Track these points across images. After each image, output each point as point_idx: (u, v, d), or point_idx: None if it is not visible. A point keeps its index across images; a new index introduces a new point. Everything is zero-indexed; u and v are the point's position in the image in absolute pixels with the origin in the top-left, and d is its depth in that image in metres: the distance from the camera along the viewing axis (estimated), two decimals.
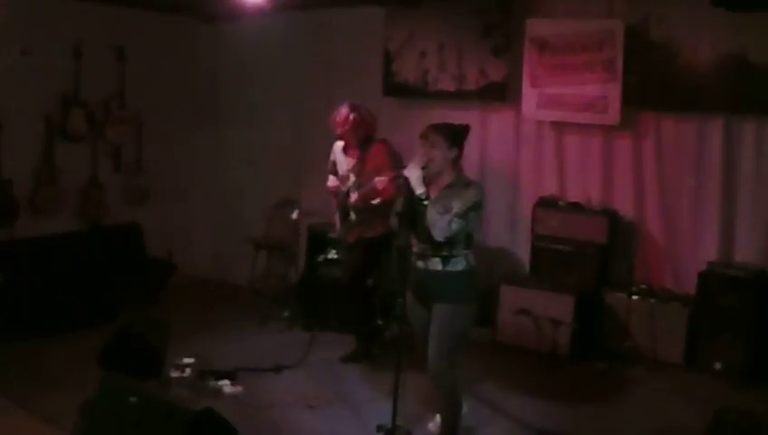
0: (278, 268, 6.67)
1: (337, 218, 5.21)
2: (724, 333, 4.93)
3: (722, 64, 5.00)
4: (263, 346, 5.49)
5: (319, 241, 6.15)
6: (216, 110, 7.41)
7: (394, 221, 3.89)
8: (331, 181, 5.14)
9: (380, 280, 5.59)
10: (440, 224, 3.60)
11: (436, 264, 3.74)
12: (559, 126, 5.77)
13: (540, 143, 5.90)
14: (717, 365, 4.95)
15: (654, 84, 5.27)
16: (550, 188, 5.85)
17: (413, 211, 3.75)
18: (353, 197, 4.94)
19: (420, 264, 3.82)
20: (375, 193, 4.72)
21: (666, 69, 5.20)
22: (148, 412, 3.36)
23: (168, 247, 6.78)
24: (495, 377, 5.04)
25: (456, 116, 5.56)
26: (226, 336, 5.69)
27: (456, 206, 3.63)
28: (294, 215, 5.78)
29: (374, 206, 4.84)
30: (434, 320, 3.77)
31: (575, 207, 5.63)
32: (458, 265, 3.73)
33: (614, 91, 5.31)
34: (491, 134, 6.06)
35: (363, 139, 4.98)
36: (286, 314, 6.04)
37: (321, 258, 5.90)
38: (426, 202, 3.65)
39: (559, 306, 5.28)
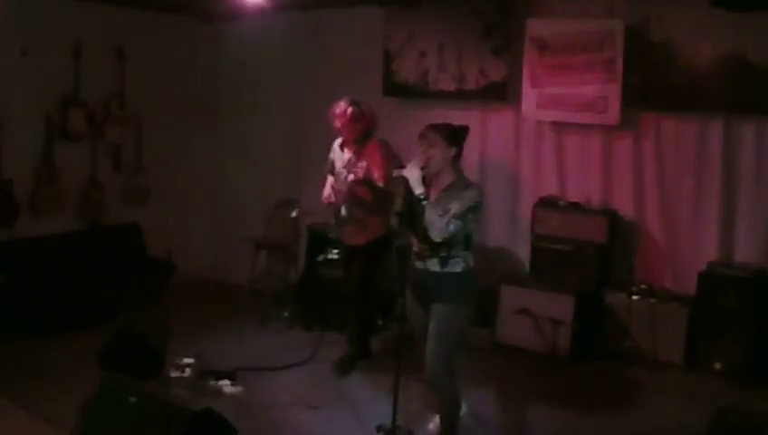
0: (278, 268, 6.67)
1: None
2: (724, 333, 4.93)
3: (722, 64, 5.00)
4: (263, 346, 5.49)
5: (319, 241, 6.15)
6: (215, 110, 7.41)
7: (394, 221, 3.88)
8: (327, 191, 5.02)
9: (380, 280, 5.59)
10: (438, 225, 3.60)
11: (434, 264, 3.75)
12: (559, 126, 5.77)
13: (540, 143, 5.90)
14: (717, 365, 4.95)
15: (654, 84, 5.27)
16: (550, 188, 5.85)
17: (412, 211, 3.75)
18: (343, 187, 4.84)
19: (419, 264, 3.82)
20: (363, 186, 4.67)
21: (666, 69, 5.20)
22: (148, 412, 3.36)
23: (168, 247, 6.78)
24: (495, 377, 5.04)
25: (455, 116, 5.57)
26: (226, 336, 5.69)
27: (455, 207, 3.63)
28: (294, 214, 5.78)
29: (368, 203, 4.77)
30: (432, 320, 3.77)
31: (575, 207, 5.63)
32: (456, 266, 3.73)
33: (614, 91, 5.31)
34: (491, 134, 6.06)
35: (361, 134, 4.91)
36: (286, 314, 6.04)
37: (321, 258, 5.91)
38: (424, 202, 3.65)
39: (559, 306, 5.28)
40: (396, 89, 6.39)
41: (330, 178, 5.09)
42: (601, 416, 4.51)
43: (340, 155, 5.04)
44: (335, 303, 5.58)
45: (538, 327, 5.34)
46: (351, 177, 4.77)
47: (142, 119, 6.65)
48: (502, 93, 5.89)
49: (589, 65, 5.41)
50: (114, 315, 4.67)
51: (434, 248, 3.71)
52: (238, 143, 7.25)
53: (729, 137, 5.14)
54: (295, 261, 6.58)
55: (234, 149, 7.30)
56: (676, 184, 5.39)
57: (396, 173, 3.86)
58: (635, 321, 5.27)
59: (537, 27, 5.61)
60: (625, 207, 5.59)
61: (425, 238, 3.70)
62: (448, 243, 3.67)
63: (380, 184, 4.74)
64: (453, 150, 3.76)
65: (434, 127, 3.80)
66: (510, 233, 6.08)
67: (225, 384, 4.66)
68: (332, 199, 4.96)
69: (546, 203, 5.73)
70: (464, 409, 4.07)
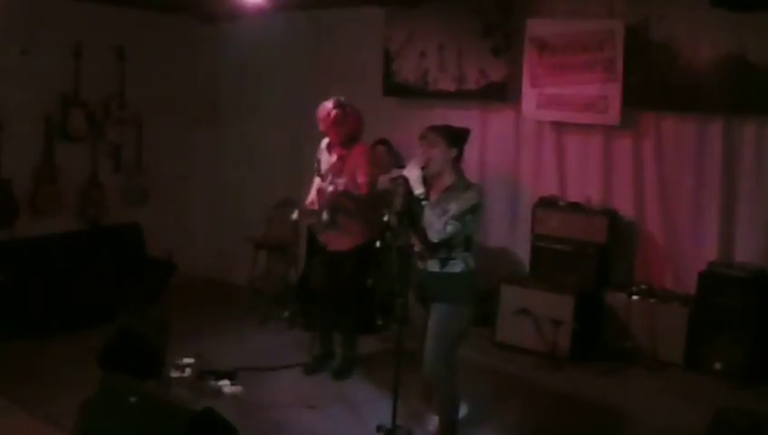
0: (278, 268, 6.66)
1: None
2: (724, 333, 4.93)
3: (722, 64, 5.00)
4: (263, 346, 5.49)
5: (319, 241, 6.13)
6: (215, 110, 7.41)
7: (393, 220, 3.87)
8: (311, 197, 4.95)
9: (380, 280, 5.59)
10: (436, 226, 3.61)
11: (433, 265, 3.75)
12: (559, 126, 5.77)
13: (540, 143, 5.90)
14: (717, 365, 4.94)
15: (654, 84, 5.27)
16: (550, 188, 5.86)
17: (412, 211, 3.75)
18: (327, 191, 4.73)
19: (420, 264, 3.83)
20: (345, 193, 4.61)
21: (666, 69, 5.20)
22: (148, 412, 3.36)
23: (168, 247, 6.78)
24: (495, 377, 5.04)
25: (456, 116, 5.58)
26: (226, 336, 5.69)
27: (453, 208, 3.63)
28: (294, 215, 5.77)
29: (350, 210, 4.71)
30: (432, 320, 3.77)
31: (575, 207, 5.63)
32: (456, 267, 3.73)
33: (614, 91, 5.31)
34: (491, 134, 6.06)
35: (346, 137, 4.79)
36: (286, 314, 6.04)
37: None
38: (424, 202, 3.65)
39: (559, 306, 5.28)
40: (396, 89, 6.39)
41: (316, 181, 4.97)
42: (601, 416, 4.51)
43: (326, 156, 4.93)
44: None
45: (538, 327, 5.34)
46: (331, 188, 4.66)
47: (142, 119, 6.66)
48: (502, 93, 5.89)
49: (589, 65, 5.41)
50: (114, 315, 4.68)
51: (434, 249, 3.71)
52: (238, 143, 7.25)
53: (729, 137, 5.14)
54: (295, 261, 6.58)
55: (234, 149, 7.30)
56: (676, 184, 5.39)
57: (396, 173, 3.86)
58: (635, 321, 5.27)
59: (537, 27, 5.61)
60: (625, 207, 5.59)
61: (425, 239, 3.71)
62: (448, 244, 3.67)
63: (365, 190, 4.65)
64: (453, 152, 3.76)
65: (435, 128, 3.81)
66: (510, 233, 6.08)
67: (225, 384, 4.66)
68: (315, 207, 4.87)
69: (546, 203, 5.73)
70: (464, 409, 4.07)
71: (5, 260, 5.60)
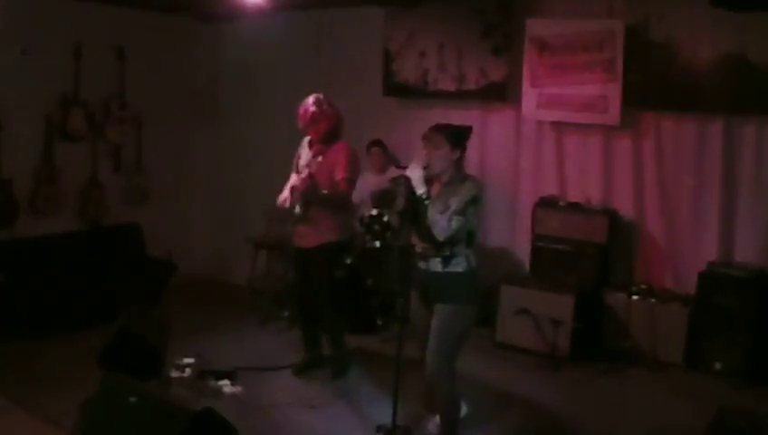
0: (278, 268, 6.66)
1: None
2: (724, 333, 4.93)
3: (722, 64, 5.00)
4: (263, 346, 5.49)
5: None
6: (216, 110, 7.41)
7: (395, 221, 3.87)
8: (283, 195, 4.87)
9: (380, 280, 5.59)
10: (441, 223, 3.60)
11: (436, 265, 3.75)
12: (559, 126, 5.77)
13: (540, 143, 5.90)
14: (717, 365, 4.95)
15: (654, 84, 5.27)
16: (550, 188, 5.86)
17: (414, 211, 3.75)
18: (303, 173, 4.68)
19: (422, 264, 3.82)
20: (318, 186, 4.57)
21: (666, 69, 5.20)
22: (148, 412, 3.36)
23: (168, 247, 6.78)
24: (495, 377, 5.04)
25: (455, 116, 5.58)
26: (226, 336, 5.69)
27: (455, 202, 3.63)
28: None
29: (325, 205, 4.65)
30: (434, 320, 3.77)
31: (575, 207, 5.63)
32: (459, 266, 3.73)
33: (614, 91, 5.31)
34: (491, 134, 6.06)
35: (325, 135, 4.77)
36: (286, 314, 6.04)
37: None
38: (426, 202, 3.65)
39: (559, 306, 5.28)
40: (396, 89, 6.39)
41: (292, 178, 4.90)
42: (601, 416, 4.51)
43: (307, 153, 4.89)
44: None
45: (538, 327, 5.34)
46: (303, 175, 4.62)
47: (142, 119, 6.65)
48: (502, 93, 5.89)
49: (589, 65, 5.41)
50: (114, 315, 4.68)
51: (437, 247, 3.70)
52: (238, 143, 7.25)
53: (729, 137, 5.14)
54: None
55: (234, 149, 7.30)
56: (676, 184, 5.39)
57: (396, 173, 3.86)
58: (635, 321, 5.27)
59: (537, 27, 5.61)
60: (625, 207, 5.59)
61: (428, 238, 3.70)
62: (451, 241, 3.67)
63: (342, 186, 4.63)
64: (457, 153, 3.75)
65: (438, 129, 3.78)
66: (510, 233, 6.08)
67: (225, 384, 4.66)
68: (287, 205, 4.81)
69: (546, 203, 5.73)
70: (464, 409, 4.07)
71: (5, 260, 5.60)
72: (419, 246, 3.83)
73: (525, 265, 5.88)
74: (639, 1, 5.28)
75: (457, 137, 3.78)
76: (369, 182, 6.18)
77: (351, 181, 4.72)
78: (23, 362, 4.95)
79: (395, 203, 3.84)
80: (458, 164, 3.80)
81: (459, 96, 6.06)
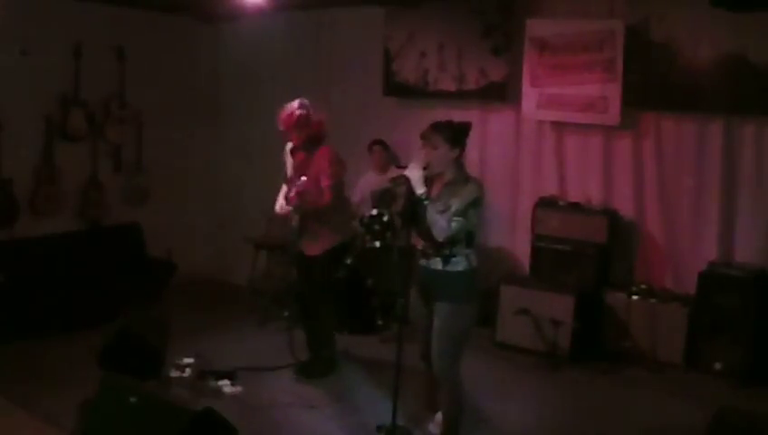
0: (278, 268, 6.66)
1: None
2: (724, 333, 4.93)
3: (722, 64, 5.00)
4: (263, 346, 5.49)
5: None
6: (216, 110, 7.41)
7: (396, 221, 3.88)
8: (279, 204, 4.89)
9: (380, 280, 5.59)
10: (440, 223, 3.60)
11: (437, 263, 3.74)
12: (559, 126, 5.77)
13: (540, 143, 5.90)
14: (717, 365, 4.95)
15: (654, 84, 5.27)
16: (550, 188, 5.86)
17: (414, 211, 3.75)
18: (290, 198, 4.70)
19: (423, 262, 3.82)
20: (309, 196, 4.58)
21: (666, 69, 5.20)
22: (148, 412, 3.36)
23: (168, 247, 6.78)
24: (495, 377, 5.04)
25: (456, 116, 5.51)
26: (226, 336, 5.69)
27: (455, 204, 3.62)
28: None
29: (318, 215, 4.68)
30: (435, 319, 3.77)
31: (575, 207, 5.63)
32: (459, 265, 3.73)
33: (614, 91, 5.31)
34: (491, 134, 6.06)
35: (307, 141, 4.74)
36: (286, 314, 6.04)
37: None
38: (426, 202, 3.65)
39: (559, 306, 5.28)
40: (396, 89, 6.39)
41: (284, 188, 4.92)
42: (601, 416, 4.51)
43: (290, 160, 4.90)
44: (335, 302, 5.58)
45: (538, 327, 5.34)
46: (293, 193, 4.63)
47: (142, 119, 6.65)
48: (502, 93, 5.89)
49: (589, 65, 5.41)
50: (114, 315, 4.69)
51: (437, 247, 3.70)
52: (238, 143, 7.25)
53: (729, 137, 5.14)
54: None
55: (234, 149, 7.30)
56: (676, 184, 5.39)
57: (396, 173, 3.86)
58: (635, 321, 5.27)
59: (537, 27, 5.61)
60: (625, 207, 5.59)
61: (428, 237, 3.70)
62: (451, 241, 3.67)
63: (328, 195, 4.62)
64: (456, 152, 3.74)
65: (436, 128, 3.76)
66: (510, 233, 6.08)
67: (225, 384, 4.66)
68: (284, 211, 4.84)
69: (546, 203, 5.73)
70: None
71: (5, 260, 5.60)
72: (420, 245, 3.83)
73: (525, 266, 5.88)
74: (639, 1, 5.29)
75: (456, 135, 3.76)
76: (370, 181, 6.19)
77: (336, 186, 4.70)
78: (23, 362, 4.95)
79: (395, 203, 3.84)
80: (458, 163, 3.79)
81: (459, 96, 6.06)
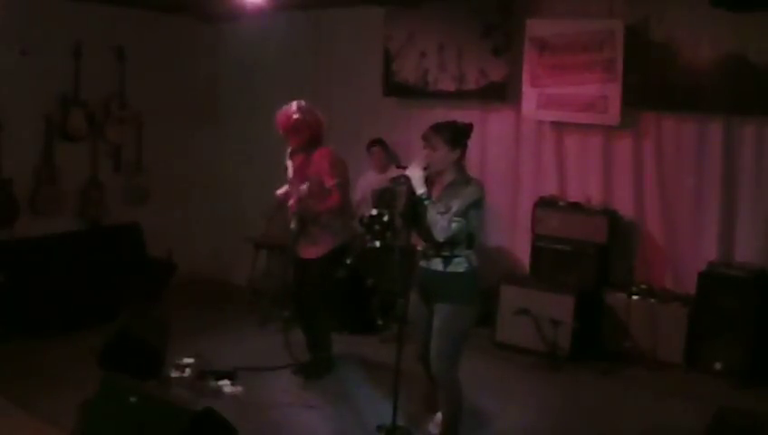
0: (278, 268, 6.66)
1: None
2: (724, 333, 4.93)
3: (722, 64, 5.00)
4: (263, 346, 5.49)
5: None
6: (216, 110, 7.41)
7: (396, 221, 3.88)
8: (282, 191, 4.94)
9: (380, 280, 5.59)
10: (441, 224, 3.60)
11: (437, 264, 3.74)
12: (559, 126, 5.78)
13: (540, 143, 5.90)
14: (717, 365, 4.95)
15: (654, 84, 5.27)
16: (550, 188, 5.86)
17: (414, 211, 3.75)
18: (291, 203, 4.74)
19: (423, 263, 3.82)
20: (312, 200, 4.61)
21: (666, 69, 5.20)
22: (148, 412, 3.36)
23: (168, 247, 6.78)
24: (495, 377, 5.04)
25: (456, 116, 5.51)
26: (226, 336, 5.69)
27: (456, 205, 3.62)
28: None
29: (319, 219, 4.69)
30: (435, 319, 3.77)
31: (575, 207, 5.63)
32: (460, 266, 3.72)
33: (614, 91, 5.31)
34: (491, 134, 6.06)
35: (306, 143, 4.75)
36: (286, 314, 6.04)
37: None
38: (426, 202, 3.65)
39: (559, 306, 5.28)
40: (396, 89, 6.39)
41: (285, 187, 4.95)
42: (601, 416, 4.51)
43: (289, 161, 4.91)
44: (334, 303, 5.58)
45: (538, 327, 5.34)
46: (292, 201, 4.67)
47: (142, 119, 6.66)
48: (502, 93, 5.89)
49: (589, 65, 5.41)
50: (114, 315, 4.69)
51: (437, 247, 3.70)
52: (238, 143, 7.24)
53: (729, 137, 5.14)
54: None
55: (234, 149, 7.30)
56: (676, 184, 5.39)
57: (397, 173, 3.86)
58: (635, 321, 5.27)
59: (537, 27, 5.62)
60: (625, 207, 5.59)
61: (428, 238, 3.70)
62: (451, 242, 3.67)
63: (335, 193, 4.63)
64: (456, 153, 3.74)
65: (437, 129, 3.75)
66: (510, 233, 6.08)
67: (225, 384, 4.66)
68: (286, 198, 4.85)
69: (546, 203, 5.73)
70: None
71: (5, 260, 5.60)
72: (421, 246, 3.83)
73: (525, 265, 5.88)
74: (639, 1, 5.29)
75: (456, 137, 3.75)
76: (370, 181, 6.20)
77: (342, 185, 4.71)
78: (23, 362, 4.95)
79: (395, 203, 3.84)
80: (459, 165, 3.79)
81: (459, 96, 6.06)
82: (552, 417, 4.48)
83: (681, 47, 5.14)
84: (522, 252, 5.96)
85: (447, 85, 6.12)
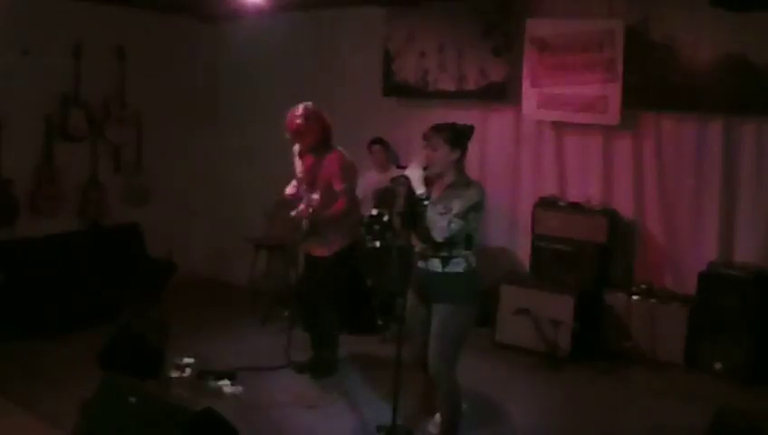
0: (278, 268, 6.66)
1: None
2: (724, 333, 4.93)
3: (722, 64, 5.00)
4: (263, 346, 5.48)
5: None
6: (216, 110, 7.41)
7: (395, 221, 3.87)
8: (290, 190, 4.97)
9: (380, 280, 5.59)
10: (440, 224, 3.60)
11: (435, 265, 3.74)
12: (559, 126, 5.78)
13: (540, 143, 5.90)
14: (717, 365, 4.95)
15: (654, 84, 5.27)
16: (550, 188, 5.86)
17: (413, 211, 3.74)
18: (301, 206, 4.77)
19: (421, 263, 3.81)
20: (322, 211, 4.66)
21: (666, 69, 5.20)
22: (148, 412, 3.36)
23: (168, 247, 6.78)
24: (495, 377, 5.04)
25: (456, 116, 5.53)
26: (226, 336, 5.69)
27: (456, 206, 3.62)
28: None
29: (329, 219, 4.71)
30: (434, 320, 3.76)
31: (575, 207, 5.63)
32: (458, 266, 3.72)
33: (614, 91, 5.31)
34: (491, 134, 6.06)
35: (314, 145, 4.78)
36: (286, 314, 6.04)
37: None
38: (426, 202, 3.65)
39: (559, 306, 5.28)
40: (396, 89, 6.39)
41: (294, 183, 4.99)
42: (601, 416, 4.51)
43: (297, 161, 4.95)
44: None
45: (538, 327, 5.34)
46: (302, 208, 4.71)
47: (142, 119, 6.66)
48: (502, 93, 5.89)
49: (589, 65, 5.41)
50: (114, 315, 4.70)
51: (436, 248, 3.70)
52: (238, 143, 7.24)
53: (729, 137, 5.14)
54: (295, 261, 6.57)
55: (234, 149, 7.30)
56: (676, 184, 5.39)
57: (397, 172, 3.86)
58: (635, 321, 5.27)
59: (537, 27, 5.62)
60: (625, 207, 5.59)
61: (427, 238, 3.70)
62: (450, 243, 3.67)
63: (342, 198, 4.68)
64: (457, 154, 3.73)
65: (438, 130, 3.75)
66: (510, 233, 6.08)
67: (225, 384, 4.66)
68: (293, 191, 4.89)
69: (546, 203, 5.73)
70: (463, 406, 4.06)
71: (5, 260, 5.60)
72: (419, 246, 3.82)
73: (525, 265, 5.88)
74: (639, 1, 5.29)
75: (456, 137, 3.75)
76: (371, 180, 6.19)
77: (349, 190, 4.75)
78: (23, 362, 4.95)
79: (395, 203, 3.83)
80: (459, 166, 3.78)
81: (459, 96, 6.06)
82: (552, 417, 4.47)
83: (681, 47, 5.14)
84: (522, 252, 5.96)
85: (447, 85, 6.12)
